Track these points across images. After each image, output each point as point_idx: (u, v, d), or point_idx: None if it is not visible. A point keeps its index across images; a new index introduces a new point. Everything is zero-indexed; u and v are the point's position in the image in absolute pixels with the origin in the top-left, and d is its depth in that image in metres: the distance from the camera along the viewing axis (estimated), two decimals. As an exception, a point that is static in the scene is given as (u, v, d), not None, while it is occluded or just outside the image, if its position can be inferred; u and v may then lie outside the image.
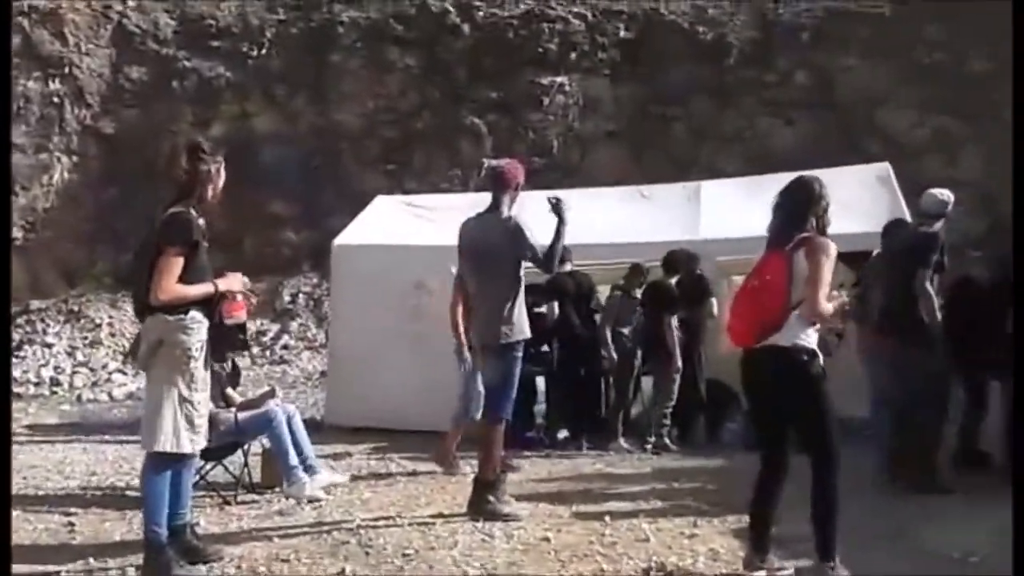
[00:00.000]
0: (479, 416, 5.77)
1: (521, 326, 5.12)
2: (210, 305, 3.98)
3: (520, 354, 5.17)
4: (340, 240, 9.53)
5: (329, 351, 10.23)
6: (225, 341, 4.00)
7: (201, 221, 4.01)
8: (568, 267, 8.14)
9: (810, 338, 3.78)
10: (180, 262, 3.85)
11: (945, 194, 6.07)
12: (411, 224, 9.72)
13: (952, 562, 4.11)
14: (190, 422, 3.92)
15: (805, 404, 3.80)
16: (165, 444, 3.88)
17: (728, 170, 12.87)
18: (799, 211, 3.83)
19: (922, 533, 4.56)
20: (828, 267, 3.71)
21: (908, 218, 7.62)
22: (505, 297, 5.04)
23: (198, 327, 3.92)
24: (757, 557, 3.88)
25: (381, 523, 4.91)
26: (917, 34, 14.15)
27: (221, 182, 4.13)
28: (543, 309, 8.07)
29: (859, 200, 8.47)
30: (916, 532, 4.58)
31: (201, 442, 4.08)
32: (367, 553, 4.35)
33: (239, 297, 4.14)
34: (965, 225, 11.69)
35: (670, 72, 15.27)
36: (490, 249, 5.10)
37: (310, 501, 5.43)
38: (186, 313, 3.89)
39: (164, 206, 4.00)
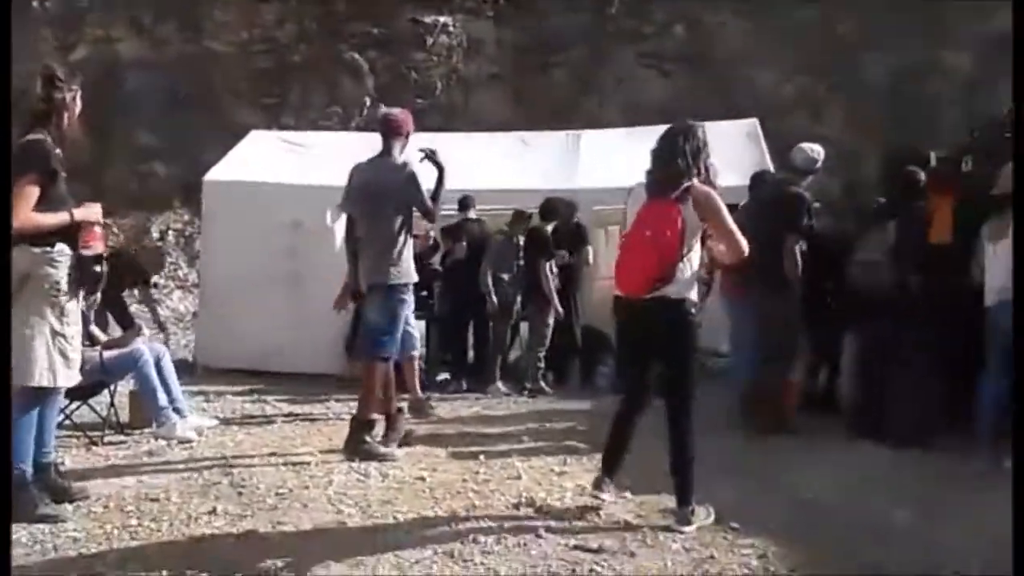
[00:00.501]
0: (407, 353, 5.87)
1: (408, 269, 5.27)
2: (73, 237, 3.85)
3: (406, 297, 5.27)
4: (212, 175, 9.21)
5: (200, 291, 9.94)
6: (80, 273, 3.87)
7: (59, 151, 3.85)
8: (472, 214, 8.22)
9: (694, 290, 3.93)
10: (36, 191, 3.72)
11: (815, 150, 6.33)
12: (287, 161, 9.48)
13: (800, 498, 4.42)
14: (64, 356, 3.82)
15: (679, 353, 3.96)
16: (41, 379, 3.77)
17: (607, 120, 13.08)
18: (685, 158, 3.80)
19: (768, 472, 4.89)
20: (723, 209, 3.81)
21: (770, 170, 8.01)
22: (394, 240, 5.16)
23: (66, 260, 3.81)
24: (605, 478, 4.15)
25: (255, 464, 4.90)
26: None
27: (78, 110, 3.99)
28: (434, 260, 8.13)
29: (729, 154, 8.81)
30: (763, 471, 4.91)
31: (75, 377, 3.99)
32: (239, 493, 4.35)
33: (96, 228, 4.03)
34: (824, 182, 12.34)
35: (552, 19, 15.28)
36: (383, 194, 5.18)
37: (180, 442, 5.36)
38: (52, 245, 3.77)
39: (20, 134, 3.82)
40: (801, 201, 6.08)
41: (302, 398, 7.05)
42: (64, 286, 3.80)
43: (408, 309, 5.38)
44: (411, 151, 5.49)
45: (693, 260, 3.88)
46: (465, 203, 8.21)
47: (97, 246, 4.05)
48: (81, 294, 3.98)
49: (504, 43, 15.42)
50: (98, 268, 3.98)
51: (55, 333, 3.78)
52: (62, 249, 3.80)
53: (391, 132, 5.30)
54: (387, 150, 5.30)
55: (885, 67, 13.83)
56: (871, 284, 5.96)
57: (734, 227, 3.84)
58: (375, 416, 5.25)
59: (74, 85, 3.95)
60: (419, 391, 6.40)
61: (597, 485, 4.17)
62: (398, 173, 5.19)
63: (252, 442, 5.52)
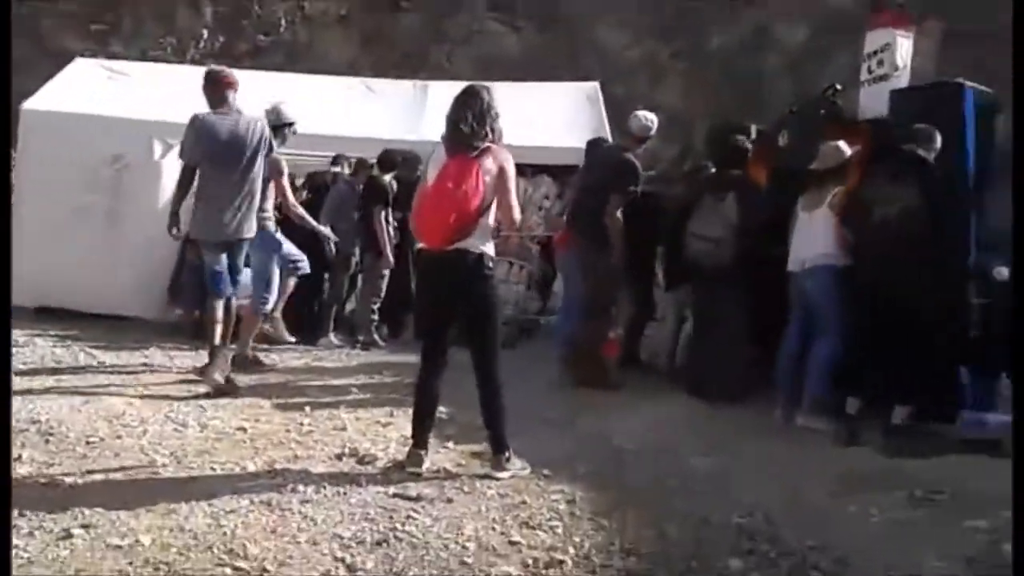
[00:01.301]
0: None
1: (252, 223, 5.58)
2: None
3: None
4: (30, 104, 8.55)
5: (13, 224, 9.23)
6: None
7: None
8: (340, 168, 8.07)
9: (490, 243, 4.06)
10: None
11: (649, 118, 6.54)
12: (111, 92, 8.92)
13: (612, 448, 4.70)
14: None
15: (481, 305, 4.08)
16: None
17: (456, 72, 13.03)
18: (482, 120, 3.96)
19: (585, 424, 5.14)
20: (513, 176, 4.03)
21: (609, 136, 8.26)
22: (246, 193, 5.48)
23: None
24: (419, 452, 4.08)
25: (64, 412, 4.68)
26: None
27: None
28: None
29: (570, 116, 9.03)
30: (579, 423, 5.16)
31: None
32: (47, 441, 4.17)
33: None
34: (658, 147, 12.82)
35: (404, -38, 15.00)
36: (237, 147, 5.43)
37: None
38: None
39: None
40: (630, 166, 6.30)
41: (117, 345, 6.73)
42: None
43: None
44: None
45: (491, 217, 4.04)
46: (336, 161, 8.12)
47: None
48: None
49: (353, -16, 15.01)
50: None
51: None
52: None
53: (226, 87, 5.51)
54: (226, 104, 5.49)
55: (723, 37, 14.41)
56: (711, 255, 6.19)
57: (514, 195, 4.04)
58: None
59: None
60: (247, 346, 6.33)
61: (414, 461, 4.07)
62: (252, 127, 5.50)
63: (61, 388, 5.25)
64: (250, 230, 5.57)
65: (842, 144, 5.59)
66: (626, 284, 6.69)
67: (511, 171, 4.01)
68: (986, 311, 5.47)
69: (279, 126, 6.25)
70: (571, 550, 3.24)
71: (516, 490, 3.85)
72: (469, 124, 3.95)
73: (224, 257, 5.52)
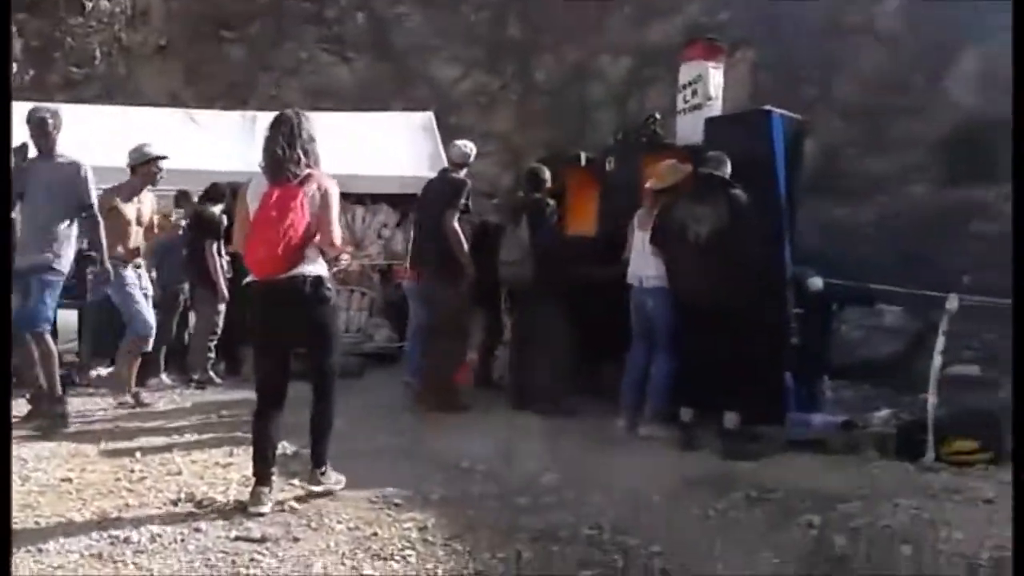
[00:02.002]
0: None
1: (70, 258, 5.58)
2: None
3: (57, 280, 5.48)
4: None
5: None
6: None
7: None
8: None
9: (323, 268, 4.03)
10: None
11: (468, 146, 6.75)
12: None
13: (461, 470, 4.70)
14: None
15: (320, 330, 4.05)
16: None
17: (285, 102, 12.79)
18: (299, 145, 3.94)
19: (431, 448, 5.14)
20: (336, 201, 4.02)
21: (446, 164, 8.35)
22: (58, 233, 5.43)
23: None
24: (262, 489, 3.94)
25: None
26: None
27: None
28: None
29: (405, 146, 9.07)
30: (427, 448, 5.16)
31: None
32: None
33: None
34: (493, 174, 13.08)
35: (225, -9, 14.61)
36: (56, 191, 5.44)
37: None
38: None
39: None
40: (455, 182, 6.42)
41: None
42: None
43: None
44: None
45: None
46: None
47: None
48: None
49: (173, 13, 14.45)
50: None
51: None
52: None
53: (54, 129, 5.46)
54: (52, 147, 5.48)
55: (550, 70, 14.88)
56: (515, 277, 6.47)
57: (335, 219, 4.01)
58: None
59: None
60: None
61: (256, 500, 3.90)
62: (70, 172, 5.46)
63: None
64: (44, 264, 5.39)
65: (677, 162, 5.89)
66: (476, 309, 6.81)
67: (334, 195, 4.00)
68: (804, 320, 5.92)
69: (144, 163, 6.21)
70: (425, 577, 3.23)
71: (366, 522, 3.79)
72: (282, 148, 3.92)
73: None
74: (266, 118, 9.49)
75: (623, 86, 14.57)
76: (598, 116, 14.15)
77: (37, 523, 3.65)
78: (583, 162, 7.41)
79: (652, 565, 3.43)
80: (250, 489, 3.98)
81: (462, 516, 3.92)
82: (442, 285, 6.30)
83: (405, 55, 14.88)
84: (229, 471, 4.52)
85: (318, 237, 3.96)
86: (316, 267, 3.97)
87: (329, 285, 4.03)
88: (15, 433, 4.94)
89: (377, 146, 8.76)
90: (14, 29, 13.55)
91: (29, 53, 13.59)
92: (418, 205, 7.00)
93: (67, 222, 5.49)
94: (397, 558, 3.41)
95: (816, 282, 5.98)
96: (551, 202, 6.58)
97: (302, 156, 3.94)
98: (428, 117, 9.73)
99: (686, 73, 6.76)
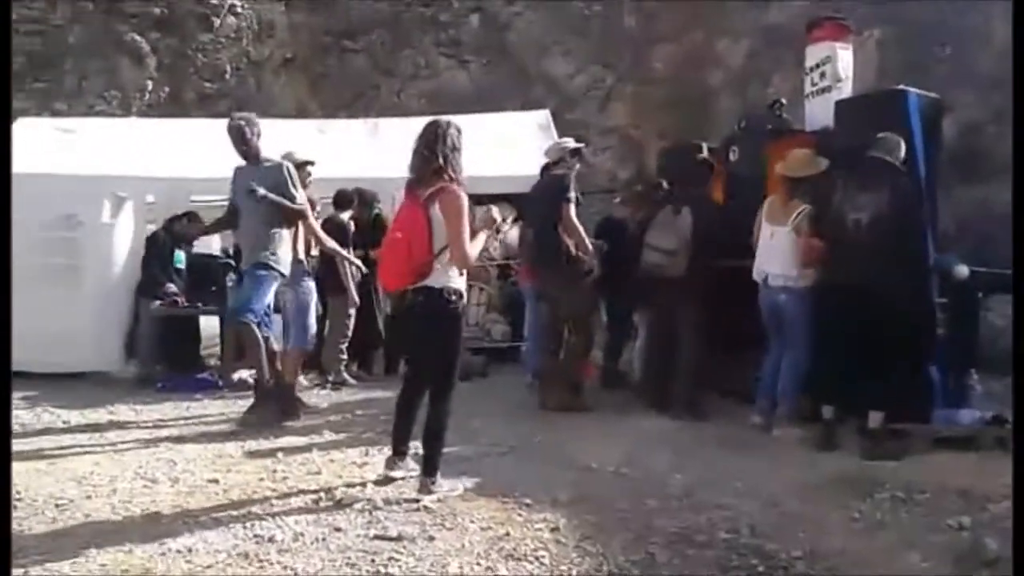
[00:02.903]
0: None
1: (286, 258, 5.84)
2: None
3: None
4: (-25, 167, 8.38)
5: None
6: None
7: None
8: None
9: (456, 280, 4.07)
10: None
11: (565, 142, 6.70)
12: (62, 149, 8.80)
13: (590, 471, 4.66)
14: None
15: (440, 339, 4.13)
16: None
17: (406, 108, 13.07)
18: (431, 157, 4.00)
19: (560, 448, 5.11)
20: (463, 216, 3.97)
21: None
22: (271, 234, 5.72)
23: None
24: (394, 458, 4.36)
25: (31, 475, 4.53)
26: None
27: None
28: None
29: (523, 145, 9.09)
30: (555, 448, 5.12)
31: None
32: (15, 507, 4.02)
33: None
34: (612, 168, 12.97)
35: (347, 3, 15.02)
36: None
37: None
38: None
39: None
40: (562, 178, 6.31)
41: (81, 402, 6.57)
42: None
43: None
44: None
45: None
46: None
47: None
48: None
49: (296, 27, 14.98)
50: None
51: None
52: None
53: (255, 135, 5.84)
54: (257, 153, 5.83)
55: (667, 58, 14.63)
56: (666, 271, 6.22)
57: (462, 233, 3.96)
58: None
59: None
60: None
61: (389, 465, 4.38)
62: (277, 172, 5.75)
63: (28, 451, 5.10)
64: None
65: (812, 152, 5.65)
66: (602, 305, 6.75)
67: (457, 208, 3.96)
68: (949, 310, 5.59)
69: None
70: (559, 579, 3.21)
71: (498, 522, 3.81)
72: (421, 157, 4.03)
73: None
74: (388, 124, 9.92)
75: (743, 72, 14.18)
76: (718, 104, 13.83)
77: (186, 524, 3.82)
78: (704, 152, 7.23)
79: (794, 570, 3.31)
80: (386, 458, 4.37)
81: (593, 517, 3.88)
82: (563, 283, 6.25)
83: (520, 54, 14.95)
84: (365, 471, 4.63)
85: (447, 253, 3.98)
86: (442, 279, 4.01)
87: (452, 299, 4.06)
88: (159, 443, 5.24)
89: (496, 147, 8.80)
90: (148, 48, 14.39)
91: (163, 71, 14.36)
92: (527, 207, 6.98)
93: (279, 222, 5.75)
94: (531, 559, 3.41)
95: (962, 270, 5.62)
96: (707, 192, 6.44)
97: (442, 165, 3.98)
98: (545, 115, 9.74)
99: (813, 55, 6.51)
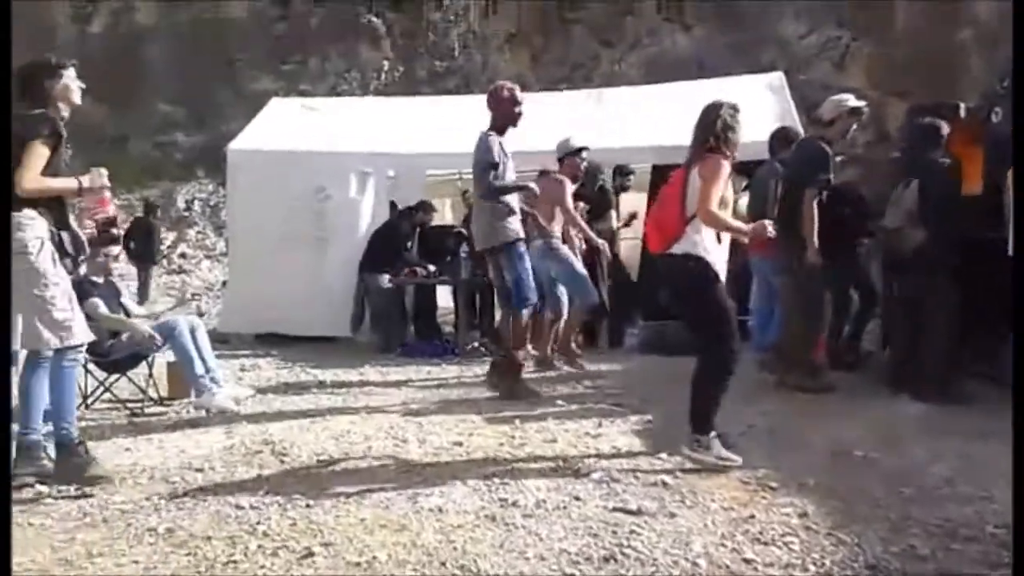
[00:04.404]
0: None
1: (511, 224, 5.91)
2: (60, 207, 3.94)
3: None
4: (236, 145, 9.25)
5: (229, 260, 10.03)
6: (97, 238, 3.94)
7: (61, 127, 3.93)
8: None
9: (699, 246, 4.10)
10: (45, 154, 3.80)
11: (846, 98, 6.18)
12: (309, 128, 9.51)
13: (836, 455, 4.44)
14: (46, 319, 3.83)
15: (695, 305, 4.22)
16: (26, 342, 3.82)
17: (627, 77, 12.95)
18: (699, 132, 4.23)
19: (804, 430, 4.90)
20: (716, 182, 4.04)
21: (799, 127, 7.90)
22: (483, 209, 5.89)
23: (31, 223, 3.82)
24: (695, 436, 4.19)
25: (294, 431, 4.96)
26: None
27: (77, 95, 4.05)
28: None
29: (755, 109, 8.70)
30: (798, 429, 4.92)
31: (71, 339, 3.93)
32: (282, 461, 4.41)
33: (106, 193, 4.09)
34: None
35: (570, -27, 15.07)
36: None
37: (220, 411, 5.45)
38: (19, 210, 3.80)
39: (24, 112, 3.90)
40: (821, 155, 5.96)
41: (333, 363, 7.11)
42: (32, 248, 3.80)
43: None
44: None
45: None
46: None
47: (108, 209, 4.16)
48: (68, 262, 3.99)
49: (521, 1, 15.22)
50: (114, 231, 4.03)
51: (34, 296, 3.80)
52: (27, 213, 3.82)
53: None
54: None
55: (909, 15, 13.53)
56: (899, 247, 5.90)
57: (710, 194, 4.03)
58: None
59: (67, 71, 4.00)
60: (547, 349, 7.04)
61: (690, 444, 4.23)
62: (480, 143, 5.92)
63: (290, 410, 5.59)
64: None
65: None
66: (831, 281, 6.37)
67: (712, 172, 4.07)
68: None
69: (569, 154, 6.85)
70: (811, 568, 3.07)
71: (742, 503, 3.71)
72: (695, 136, 4.23)
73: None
74: (612, 94, 9.85)
75: (996, 29, 12.85)
76: (967, 64, 12.64)
77: (435, 484, 4.01)
78: (962, 113, 6.61)
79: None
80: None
81: (844, 504, 3.69)
82: (798, 258, 5.96)
83: (746, 16, 14.36)
84: (599, 442, 4.67)
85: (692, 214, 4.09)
86: (685, 246, 4.11)
87: (693, 262, 4.10)
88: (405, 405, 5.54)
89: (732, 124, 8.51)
90: (383, 29, 15.16)
91: (398, 50, 15.10)
92: (768, 174, 6.66)
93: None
94: (779, 544, 3.28)
95: None
96: (947, 160, 5.93)
97: (715, 145, 4.13)
98: (778, 77, 9.31)
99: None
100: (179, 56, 15.01)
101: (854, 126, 6.19)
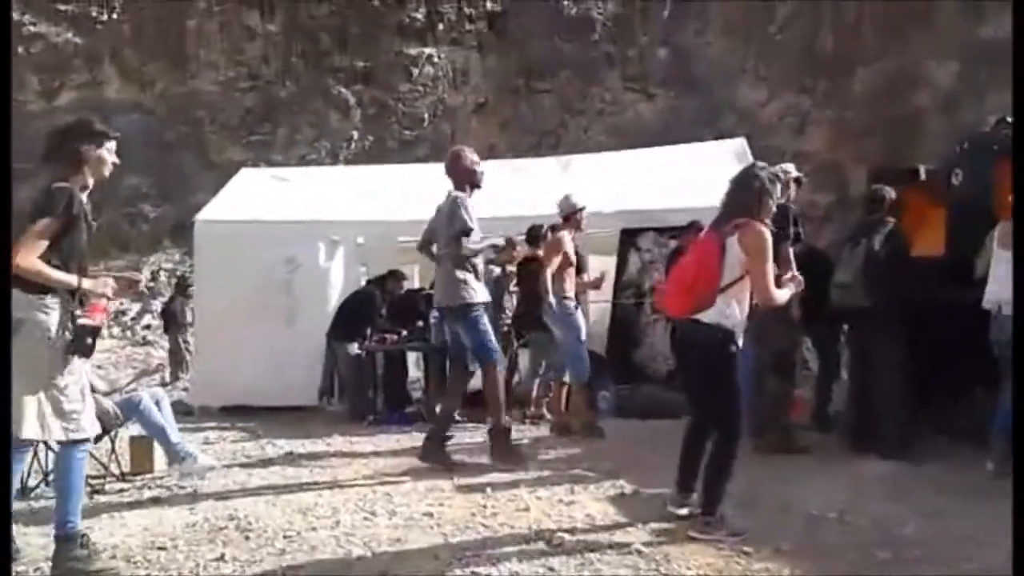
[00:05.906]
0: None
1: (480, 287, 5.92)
2: (71, 295, 3.73)
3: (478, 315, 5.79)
4: (203, 215, 9.21)
5: (196, 330, 9.90)
6: (76, 339, 3.72)
7: (84, 197, 3.77)
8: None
9: (731, 318, 4.00)
10: (46, 240, 3.58)
11: (784, 168, 6.34)
12: (278, 198, 9.52)
13: (810, 517, 4.41)
14: (59, 409, 3.67)
15: (714, 377, 4.07)
16: (29, 431, 3.63)
17: (594, 143, 13.18)
18: (737, 195, 4.07)
19: (776, 492, 4.87)
20: (767, 254, 3.94)
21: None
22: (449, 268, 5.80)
23: (57, 309, 3.67)
24: (680, 496, 4.27)
25: (260, 506, 4.84)
26: (770, 12, 14.79)
27: (108, 169, 3.89)
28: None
29: (718, 175, 8.85)
30: (772, 491, 4.88)
31: (81, 431, 3.76)
32: (247, 538, 4.28)
33: (103, 300, 3.88)
34: (812, 196, 12.42)
35: (535, 45, 15.41)
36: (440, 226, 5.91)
37: (209, 470, 5.50)
38: (45, 294, 3.64)
39: (48, 183, 3.70)
40: (782, 211, 6.05)
41: (301, 434, 6.99)
42: (54, 334, 3.65)
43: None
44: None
45: (736, 294, 4.00)
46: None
47: (96, 318, 3.83)
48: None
49: (489, 72, 15.52)
50: (90, 341, 3.82)
51: (49, 384, 3.64)
52: (53, 299, 3.66)
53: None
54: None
55: (868, 81, 13.95)
56: (847, 305, 6.01)
57: (769, 273, 3.95)
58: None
59: (108, 141, 3.85)
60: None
61: (672, 501, 4.33)
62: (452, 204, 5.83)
63: (255, 484, 5.46)
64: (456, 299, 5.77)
65: None
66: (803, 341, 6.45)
67: (760, 246, 3.93)
68: None
69: (574, 212, 6.88)
70: (789, 634, 3.02)
71: (716, 570, 3.65)
72: (730, 194, 4.11)
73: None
74: (580, 160, 9.99)
75: (953, 92, 13.29)
76: (926, 127, 13.01)
77: (406, 559, 3.90)
78: (922, 176, 6.78)
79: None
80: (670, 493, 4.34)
81: (821, 568, 3.65)
82: (769, 319, 6.00)
83: (708, 84, 14.72)
84: (573, 509, 4.60)
85: (737, 288, 3.98)
86: (716, 316, 3.97)
87: (722, 335, 3.99)
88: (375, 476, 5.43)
89: (691, 178, 8.66)
90: (352, 100, 15.34)
91: (367, 121, 15.28)
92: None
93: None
94: (756, 611, 3.24)
95: None
96: (891, 220, 6.05)
97: (751, 204, 3.99)
98: (740, 143, 9.49)
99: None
100: (148, 129, 15.07)
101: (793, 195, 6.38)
